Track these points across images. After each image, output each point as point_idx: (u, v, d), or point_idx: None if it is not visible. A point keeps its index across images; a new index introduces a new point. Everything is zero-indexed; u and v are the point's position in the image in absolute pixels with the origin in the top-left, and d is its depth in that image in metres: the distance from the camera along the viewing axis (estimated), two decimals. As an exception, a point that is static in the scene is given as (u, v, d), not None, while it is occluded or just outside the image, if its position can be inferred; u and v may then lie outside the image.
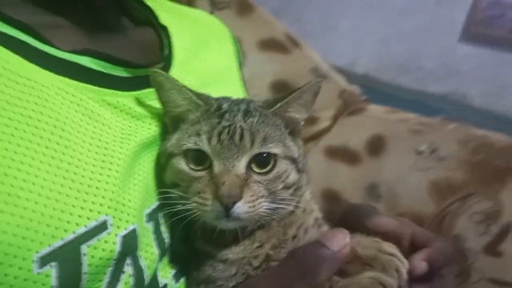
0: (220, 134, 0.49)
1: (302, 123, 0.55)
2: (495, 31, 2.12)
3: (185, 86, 0.51)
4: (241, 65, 0.79)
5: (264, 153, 0.50)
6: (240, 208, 0.47)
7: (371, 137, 1.09)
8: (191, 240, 0.54)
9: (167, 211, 0.51)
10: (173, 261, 0.54)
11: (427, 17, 2.27)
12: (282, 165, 0.51)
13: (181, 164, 0.50)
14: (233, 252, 0.52)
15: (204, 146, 0.49)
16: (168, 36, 0.60)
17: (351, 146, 1.11)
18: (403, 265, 0.45)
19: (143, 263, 0.48)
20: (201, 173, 0.49)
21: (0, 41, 0.43)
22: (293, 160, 0.52)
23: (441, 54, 2.26)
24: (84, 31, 0.52)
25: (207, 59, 0.68)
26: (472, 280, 0.96)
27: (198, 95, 0.52)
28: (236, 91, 0.74)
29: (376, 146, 1.08)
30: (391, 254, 0.46)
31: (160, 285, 0.50)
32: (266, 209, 0.49)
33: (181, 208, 0.49)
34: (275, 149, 0.50)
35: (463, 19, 2.19)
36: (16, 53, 0.43)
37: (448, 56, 2.24)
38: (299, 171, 0.53)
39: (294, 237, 0.53)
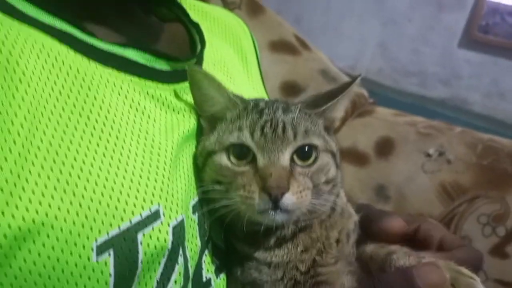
0: (263, 128, 0.49)
1: (338, 119, 0.55)
2: (495, 37, 2.16)
3: (222, 84, 0.51)
4: (260, 63, 0.79)
5: (307, 145, 0.49)
6: (289, 199, 0.45)
7: (380, 139, 1.11)
8: (231, 240, 0.53)
9: (207, 209, 0.50)
10: (215, 256, 0.53)
11: (428, 22, 2.29)
12: (324, 158, 0.50)
13: (223, 159, 0.49)
14: (276, 255, 0.51)
15: (248, 140, 0.49)
16: (200, 32, 0.60)
17: (360, 147, 1.12)
18: None
19: (188, 254, 0.48)
20: (245, 168, 0.48)
21: (49, 32, 0.43)
22: (333, 154, 0.52)
23: (442, 59, 2.28)
24: (116, 25, 0.53)
25: (230, 56, 0.69)
26: (479, 281, 0.98)
27: (234, 94, 0.52)
28: (259, 88, 0.74)
29: (385, 148, 1.10)
30: (471, 278, 0.44)
31: (204, 279, 0.50)
32: (311, 203, 0.48)
33: (223, 204, 0.48)
34: (317, 141, 0.50)
35: (463, 24, 2.22)
36: (64, 44, 0.43)
37: (448, 61, 2.27)
38: (337, 166, 0.52)
39: (337, 241, 0.52)
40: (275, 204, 0.45)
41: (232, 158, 0.49)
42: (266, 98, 0.61)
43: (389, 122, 1.14)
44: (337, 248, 0.52)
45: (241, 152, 0.49)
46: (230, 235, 0.53)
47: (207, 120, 0.54)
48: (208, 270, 0.51)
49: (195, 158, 0.52)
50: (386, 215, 0.52)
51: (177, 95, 0.52)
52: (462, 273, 0.44)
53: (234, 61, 0.70)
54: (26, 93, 0.37)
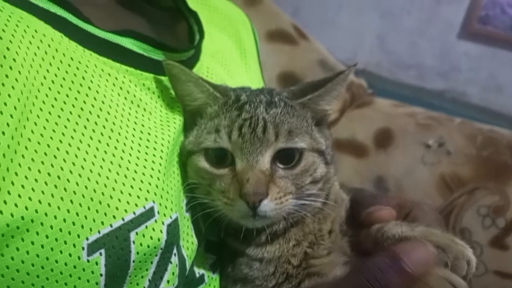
0: (241, 127, 0.46)
1: (330, 112, 0.52)
2: (494, 29, 2.14)
3: (201, 78, 0.49)
4: (259, 54, 0.77)
5: (290, 148, 0.47)
6: (267, 205, 0.44)
7: (379, 131, 1.09)
8: (223, 236, 0.52)
9: (195, 203, 0.48)
10: (209, 251, 0.52)
11: (426, 14, 2.27)
12: (309, 158, 0.48)
13: (201, 161, 0.47)
14: (268, 251, 0.49)
15: (224, 143, 0.46)
16: (198, 22, 0.58)
17: (358, 139, 1.11)
18: (474, 259, 0.42)
19: (184, 252, 0.46)
20: (223, 171, 0.46)
21: (43, 17, 0.40)
22: (321, 153, 0.49)
23: (440, 51, 2.27)
24: (114, 12, 0.51)
25: (229, 47, 0.67)
26: (478, 273, 0.97)
27: (216, 87, 0.50)
28: (257, 81, 0.73)
29: (384, 139, 1.08)
30: (464, 247, 0.43)
31: (197, 275, 0.49)
32: (294, 206, 0.46)
33: (207, 203, 0.47)
34: (301, 143, 0.47)
35: (462, 16, 2.21)
36: (58, 30, 0.41)
37: (447, 53, 2.25)
38: (327, 163, 0.50)
39: (330, 231, 0.51)
40: (254, 211, 0.44)
41: (210, 161, 0.47)
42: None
43: (388, 113, 1.12)
44: (330, 239, 0.51)
45: (219, 155, 0.47)
46: (221, 231, 0.51)
47: (188, 114, 0.51)
48: (198, 266, 0.50)
49: (180, 154, 0.50)
50: (376, 201, 0.50)
51: (172, 88, 0.51)
52: (455, 241, 0.43)
53: (232, 53, 0.69)
54: (16, 81, 0.35)
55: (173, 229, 0.43)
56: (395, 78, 2.34)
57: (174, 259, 0.44)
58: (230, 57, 0.66)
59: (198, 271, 0.49)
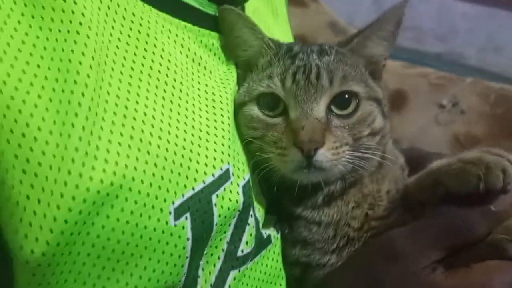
0: (294, 74, 0.45)
1: (384, 62, 0.50)
2: (492, -11, 2.12)
3: (257, 25, 0.48)
4: (288, 11, 0.75)
5: (345, 92, 0.45)
6: (323, 155, 0.42)
7: (392, 92, 1.09)
8: (279, 197, 0.50)
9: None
10: (271, 212, 0.50)
11: (423, -24, 2.24)
12: (367, 106, 0.46)
13: (254, 110, 0.46)
14: (326, 214, 0.48)
15: (278, 89, 0.45)
16: None
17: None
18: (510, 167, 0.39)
19: (258, 214, 0.46)
20: (276, 120, 0.45)
21: None
22: (378, 102, 0.47)
23: (438, 13, 2.25)
24: None
25: (261, 7, 0.65)
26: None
27: (268, 37, 0.48)
28: (288, 40, 0.71)
29: (397, 101, 1.08)
30: (500, 155, 0.40)
31: (264, 236, 0.48)
32: (350, 158, 0.44)
33: (260, 160, 0.45)
34: (357, 88, 0.45)
35: (459, -23, 2.18)
36: None
37: (444, 15, 2.24)
38: (385, 116, 0.48)
39: (387, 191, 0.49)
40: (308, 161, 0.42)
41: (263, 109, 0.46)
42: None
43: (400, 74, 1.12)
44: (388, 199, 0.49)
45: (272, 102, 0.46)
46: (278, 192, 0.50)
47: (242, 68, 0.50)
48: (265, 227, 0.49)
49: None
50: (436, 156, 0.50)
51: (224, 46, 0.48)
52: (490, 151, 0.42)
53: (265, 14, 0.67)
54: (88, 37, 0.33)
55: (247, 190, 0.43)
56: (393, 41, 2.33)
57: (251, 220, 0.43)
58: (264, 18, 0.64)
59: (265, 232, 0.48)
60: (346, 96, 0.45)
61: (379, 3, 2.44)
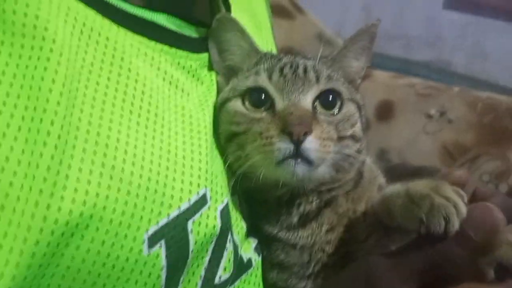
0: (282, 69, 0.45)
1: (359, 79, 0.51)
2: (478, -3, 2.15)
3: (247, 31, 0.49)
4: (272, 27, 0.75)
5: (331, 90, 0.45)
6: (312, 142, 0.40)
7: (380, 103, 1.09)
8: (255, 219, 0.49)
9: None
10: (251, 233, 0.49)
11: (410, -16, 2.27)
12: (350, 107, 0.46)
13: (237, 105, 0.45)
14: (300, 237, 0.47)
15: (264, 82, 0.44)
16: None
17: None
18: (458, 214, 0.36)
19: (237, 238, 0.45)
20: (262, 114, 0.44)
21: None
22: (359, 107, 0.48)
23: (425, 21, 2.27)
24: None
25: (245, 23, 0.65)
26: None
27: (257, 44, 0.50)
28: (273, 50, 0.71)
29: (385, 111, 1.08)
30: (447, 199, 0.37)
31: (245, 260, 0.47)
32: (334, 159, 0.43)
33: (240, 158, 0.43)
34: (342, 88, 0.46)
35: (446, -15, 2.21)
36: (90, 7, 0.37)
37: (432, 23, 2.26)
38: (362, 125, 0.48)
39: (364, 213, 0.47)
40: (297, 148, 0.40)
41: (247, 104, 0.45)
42: None
43: (388, 85, 1.12)
44: (365, 221, 0.47)
45: (258, 98, 0.45)
46: (254, 214, 0.49)
47: (225, 75, 0.50)
48: (245, 250, 0.48)
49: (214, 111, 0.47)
50: (427, 171, 0.49)
51: (204, 65, 0.48)
52: (439, 191, 0.38)
53: (249, 26, 0.67)
54: (58, 64, 0.32)
55: (226, 214, 0.42)
56: (382, 50, 2.34)
57: (229, 245, 0.42)
58: (249, 30, 0.64)
59: (246, 256, 0.47)
60: (331, 96, 0.45)
61: (368, 11, 2.46)
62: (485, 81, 2.13)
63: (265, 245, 0.49)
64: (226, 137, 0.45)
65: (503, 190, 0.99)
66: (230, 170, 0.45)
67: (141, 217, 0.34)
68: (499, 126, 1.01)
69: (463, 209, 0.37)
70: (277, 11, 1.13)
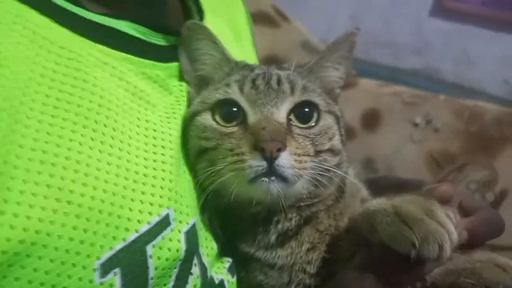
0: (254, 80, 0.42)
1: (339, 89, 0.49)
2: (466, 6, 2.16)
3: (218, 39, 0.46)
4: (253, 34, 0.73)
5: (307, 102, 0.42)
6: (286, 159, 0.38)
7: (366, 111, 1.08)
8: (231, 239, 0.47)
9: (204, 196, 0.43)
10: (225, 254, 0.47)
11: (397, -8, 2.28)
12: (328, 119, 0.44)
13: (208, 119, 0.42)
14: (279, 257, 0.44)
15: (235, 94, 0.42)
16: (196, 2, 0.54)
17: (345, 120, 1.09)
18: (450, 240, 0.35)
19: (205, 260, 0.42)
20: (233, 128, 0.41)
21: (25, 0, 0.34)
22: (337, 119, 0.45)
23: (413, 29, 2.28)
24: None
25: (224, 32, 0.63)
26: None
27: (229, 53, 0.47)
28: (254, 60, 0.69)
29: (371, 120, 1.07)
30: (441, 224, 0.36)
31: (216, 281, 0.44)
32: (312, 174, 0.40)
33: (211, 175, 0.40)
34: (318, 99, 0.43)
35: (433, -7, 2.22)
36: (44, 15, 0.35)
37: (419, 31, 2.26)
38: (343, 141, 0.45)
39: (347, 229, 0.45)
40: (270, 165, 0.38)
41: (218, 118, 0.42)
42: None
43: (374, 93, 1.11)
44: (347, 238, 0.45)
45: (229, 112, 0.42)
46: (229, 233, 0.47)
47: (196, 85, 0.47)
48: (217, 271, 0.45)
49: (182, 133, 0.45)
50: (414, 184, 0.48)
51: (173, 75, 0.46)
52: (433, 216, 0.37)
53: (227, 36, 0.65)
54: (2, 77, 0.30)
55: (191, 236, 0.39)
56: (370, 58, 2.34)
57: (195, 269, 0.39)
58: (226, 41, 0.62)
59: (217, 277, 0.44)
60: (307, 108, 0.43)
61: (356, 18, 2.46)
62: (471, 88, 2.14)
63: (243, 265, 0.47)
64: (196, 153, 0.43)
65: (490, 199, 0.98)
66: (200, 187, 0.43)
67: (92, 243, 0.32)
68: (485, 134, 1.00)
69: (455, 236, 0.36)
70: (261, 19, 1.11)
